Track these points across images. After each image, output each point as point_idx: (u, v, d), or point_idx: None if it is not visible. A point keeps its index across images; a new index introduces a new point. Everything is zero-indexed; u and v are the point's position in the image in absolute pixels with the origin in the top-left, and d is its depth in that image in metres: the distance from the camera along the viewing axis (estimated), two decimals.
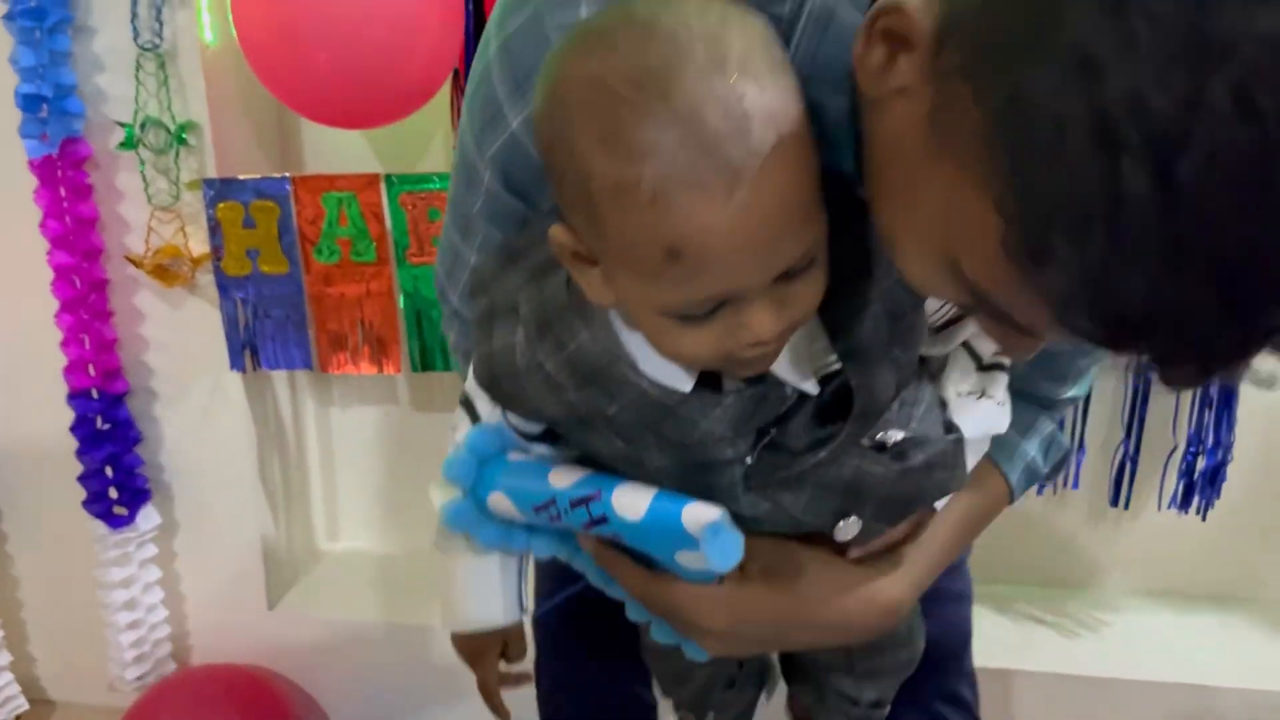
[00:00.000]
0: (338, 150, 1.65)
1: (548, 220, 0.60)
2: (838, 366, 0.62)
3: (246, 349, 1.60)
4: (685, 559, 0.64)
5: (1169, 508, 1.58)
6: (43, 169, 1.54)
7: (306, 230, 1.49)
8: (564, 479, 0.66)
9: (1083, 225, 0.39)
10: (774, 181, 0.50)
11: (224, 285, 1.57)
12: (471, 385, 0.70)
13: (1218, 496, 1.55)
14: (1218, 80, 0.35)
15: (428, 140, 1.62)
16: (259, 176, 1.51)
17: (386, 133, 1.57)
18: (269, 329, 1.58)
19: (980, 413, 0.68)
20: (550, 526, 0.69)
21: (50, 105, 1.51)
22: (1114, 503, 1.59)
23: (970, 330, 0.65)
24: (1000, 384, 0.69)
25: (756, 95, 0.50)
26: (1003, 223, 0.42)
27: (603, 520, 0.63)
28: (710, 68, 0.50)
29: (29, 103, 1.50)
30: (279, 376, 1.79)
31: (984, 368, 0.68)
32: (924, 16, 0.46)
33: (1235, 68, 0.35)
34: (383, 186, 1.45)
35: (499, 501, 0.69)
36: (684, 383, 0.62)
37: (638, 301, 0.57)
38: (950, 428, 0.66)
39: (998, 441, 0.77)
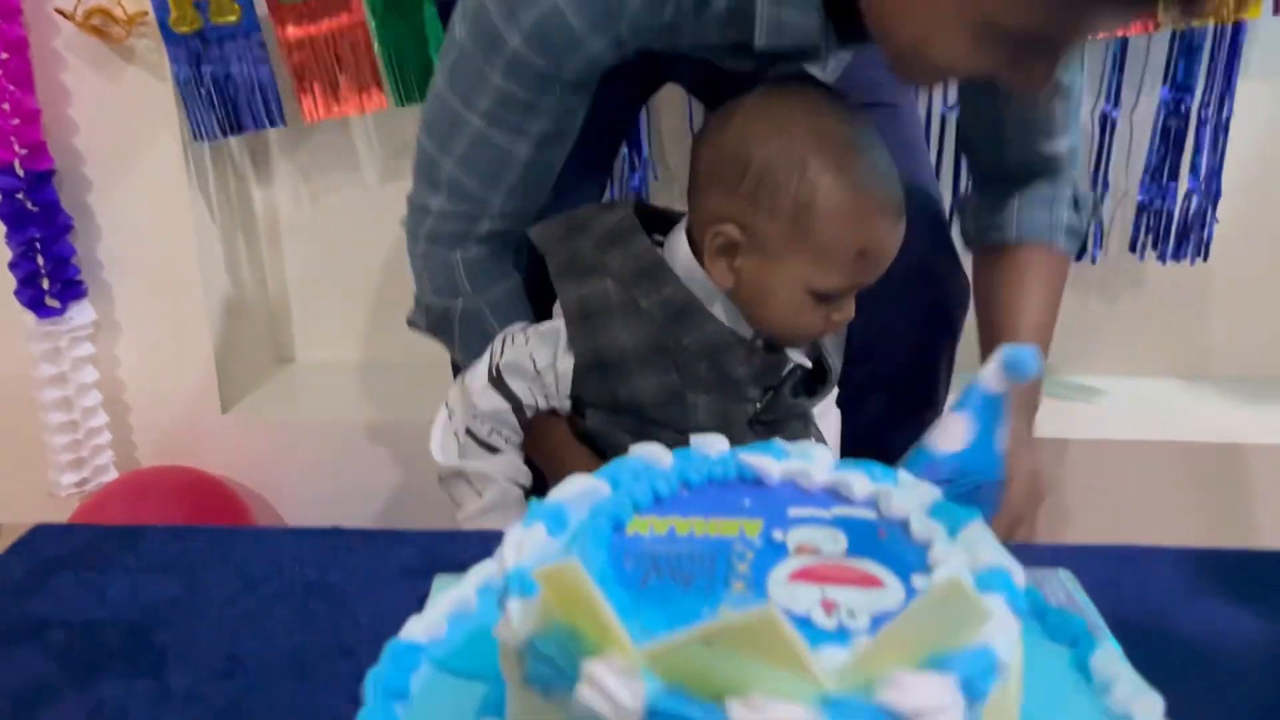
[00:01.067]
0: None
1: (592, 204, 0.94)
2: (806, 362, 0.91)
3: (212, 113, 1.49)
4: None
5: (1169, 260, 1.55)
6: None
7: None
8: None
9: None
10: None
11: (174, 47, 1.45)
12: (508, 362, 0.89)
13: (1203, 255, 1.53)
14: None
15: None
16: None
17: None
18: (232, 87, 1.48)
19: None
20: None
21: None
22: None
23: None
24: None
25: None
26: None
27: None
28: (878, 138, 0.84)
29: None
30: (226, 156, 1.68)
31: None
32: None
33: None
34: None
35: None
36: (747, 331, 0.87)
37: (797, 283, 0.82)
38: None
39: (1033, 224, 1.00)
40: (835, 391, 0.99)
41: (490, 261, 0.95)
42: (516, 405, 0.90)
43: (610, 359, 0.86)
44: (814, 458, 0.52)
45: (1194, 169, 1.50)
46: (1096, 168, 1.54)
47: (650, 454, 0.52)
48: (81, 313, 1.61)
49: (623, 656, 0.37)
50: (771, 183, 0.80)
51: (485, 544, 0.76)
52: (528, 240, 0.93)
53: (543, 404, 0.91)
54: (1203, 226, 1.49)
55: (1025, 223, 1.01)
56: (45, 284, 1.57)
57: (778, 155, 0.80)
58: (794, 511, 0.49)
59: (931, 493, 0.48)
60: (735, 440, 0.85)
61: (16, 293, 1.56)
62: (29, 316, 1.58)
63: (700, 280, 0.86)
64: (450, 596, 0.54)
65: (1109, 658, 0.49)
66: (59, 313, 1.58)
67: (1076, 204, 1.03)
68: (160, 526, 0.82)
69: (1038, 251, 1.01)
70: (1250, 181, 1.56)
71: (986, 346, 1.00)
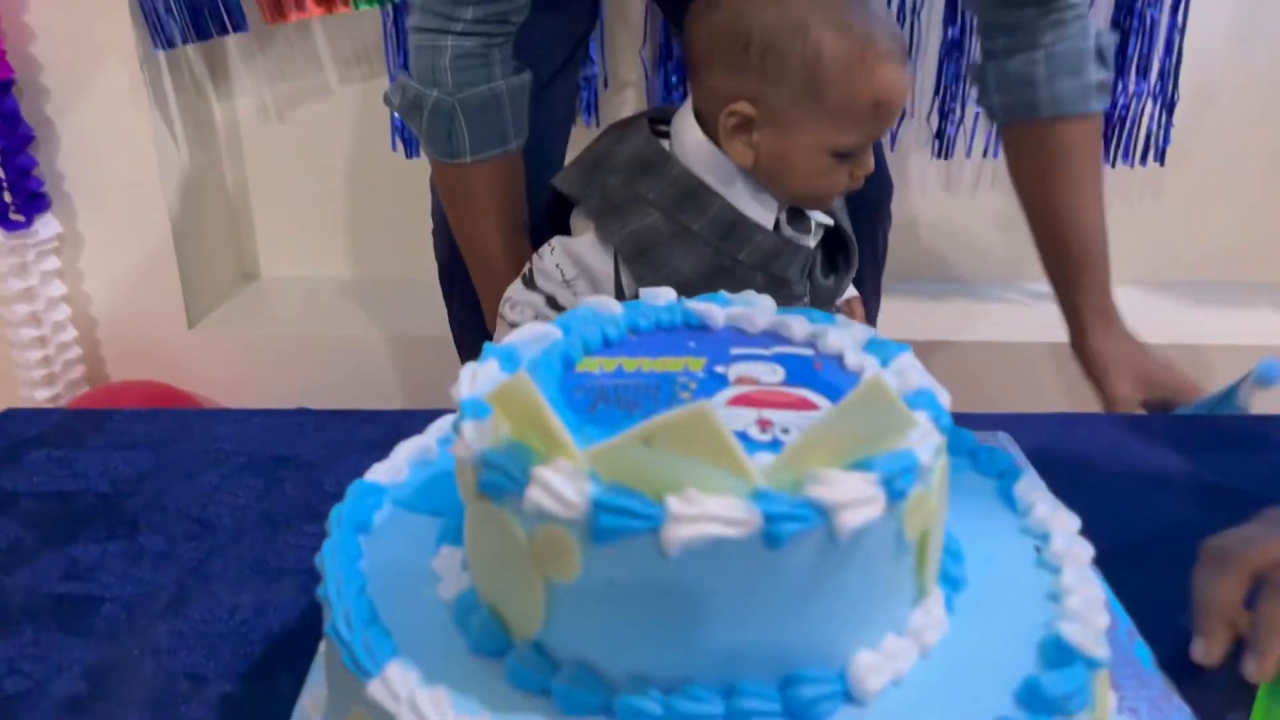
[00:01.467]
0: None
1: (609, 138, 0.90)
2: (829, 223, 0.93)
3: (172, 20, 1.48)
4: None
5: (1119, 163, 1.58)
6: None
7: None
8: None
9: None
10: None
11: None
12: (539, 269, 0.90)
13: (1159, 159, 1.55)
14: None
15: None
16: None
17: None
18: None
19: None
20: None
21: None
22: None
23: None
24: None
25: None
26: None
27: None
28: None
29: None
30: (184, 65, 1.67)
31: None
32: None
33: None
34: None
35: None
36: (768, 220, 0.88)
37: (818, 147, 0.84)
38: None
39: (1066, 95, 0.98)
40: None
41: (476, 59, 0.94)
42: (550, 299, 0.91)
43: (682, 279, 0.87)
44: (757, 304, 0.54)
45: (1143, 70, 1.52)
46: None
47: (600, 303, 0.54)
48: (46, 226, 1.60)
49: (569, 460, 0.39)
50: (777, 52, 0.81)
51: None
52: (543, 190, 0.94)
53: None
54: (1159, 129, 1.52)
55: (1058, 95, 0.98)
56: (8, 197, 1.56)
57: (777, 22, 0.81)
58: (736, 350, 0.51)
59: (867, 331, 0.51)
60: None
61: None
62: None
63: (712, 160, 0.87)
64: (411, 444, 0.57)
65: (1031, 485, 0.52)
66: (24, 226, 1.57)
67: (1100, 55, 1.00)
68: (128, 409, 0.84)
69: (1075, 126, 1.00)
70: (1206, 83, 1.58)
71: (1049, 253, 1.05)
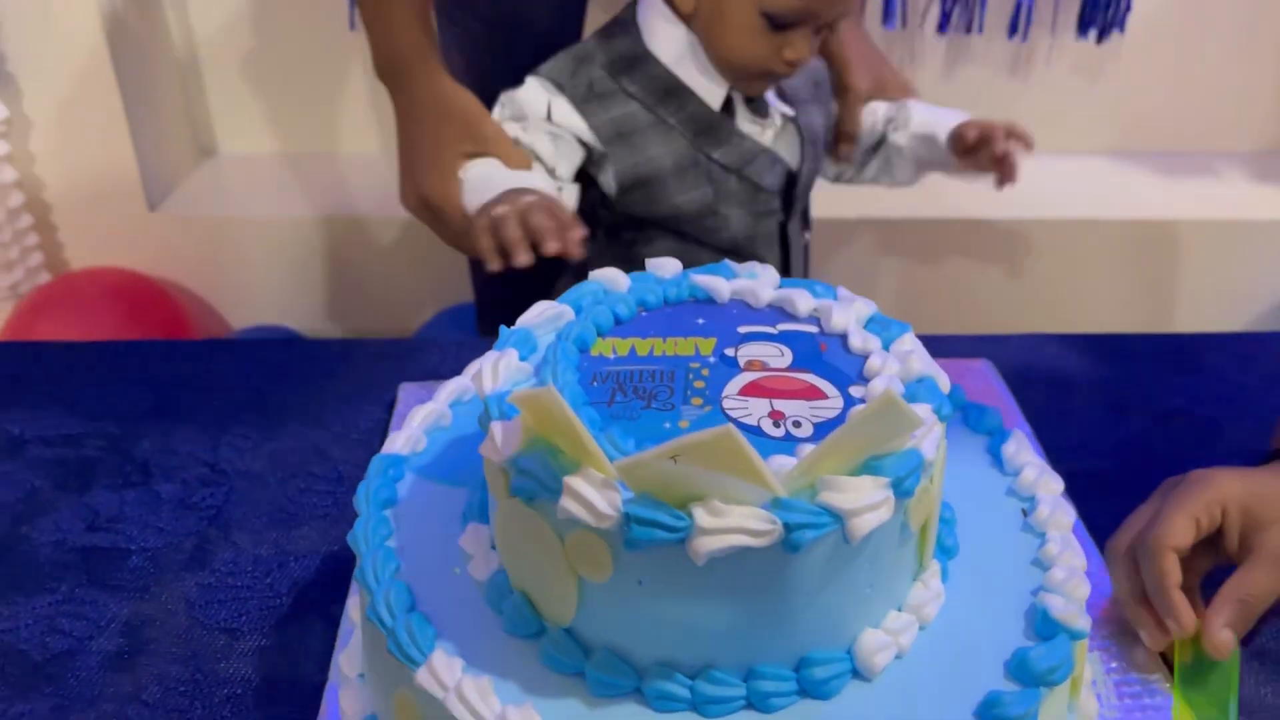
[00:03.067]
0: None
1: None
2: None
3: None
4: None
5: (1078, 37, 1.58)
6: None
7: None
8: None
9: None
10: None
11: None
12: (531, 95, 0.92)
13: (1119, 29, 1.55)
14: None
15: None
16: None
17: None
18: None
19: None
20: None
21: None
22: (1012, 34, 1.59)
23: None
24: None
25: None
26: None
27: None
28: None
29: None
30: None
31: None
32: None
33: None
34: None
35: None
36: (719, 97, 0.93)
37: (751, 2, 0.86)
38: None
39: None
40: None
41: None
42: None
43: (651, 175, 0.92)
44: (760, 276, 0.56)
45: None
46: None
47: (608, 278, 0.55)
48: None
49: (599, 471, 0.41)
50: None
51: (443, 352, 0.80)
52: None
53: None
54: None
55: None
56: None
57: None
58: (743, 329, 0.53)
59: (867, 306, 0.53)
60: (762, 252, 0.98)
61: None
62: None
63: (669, 31, 0.91)
64: (425, 411, 0.58)
65: (1019, 446, 0.56)
66: None
67: None
68: (119, 341, 0.84)
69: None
70: None
71: None
